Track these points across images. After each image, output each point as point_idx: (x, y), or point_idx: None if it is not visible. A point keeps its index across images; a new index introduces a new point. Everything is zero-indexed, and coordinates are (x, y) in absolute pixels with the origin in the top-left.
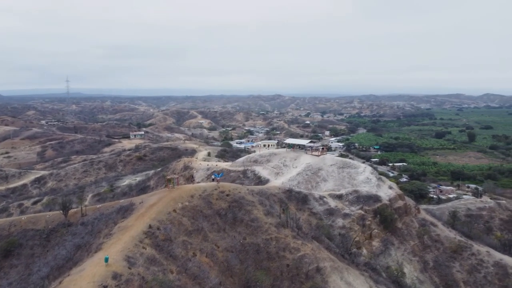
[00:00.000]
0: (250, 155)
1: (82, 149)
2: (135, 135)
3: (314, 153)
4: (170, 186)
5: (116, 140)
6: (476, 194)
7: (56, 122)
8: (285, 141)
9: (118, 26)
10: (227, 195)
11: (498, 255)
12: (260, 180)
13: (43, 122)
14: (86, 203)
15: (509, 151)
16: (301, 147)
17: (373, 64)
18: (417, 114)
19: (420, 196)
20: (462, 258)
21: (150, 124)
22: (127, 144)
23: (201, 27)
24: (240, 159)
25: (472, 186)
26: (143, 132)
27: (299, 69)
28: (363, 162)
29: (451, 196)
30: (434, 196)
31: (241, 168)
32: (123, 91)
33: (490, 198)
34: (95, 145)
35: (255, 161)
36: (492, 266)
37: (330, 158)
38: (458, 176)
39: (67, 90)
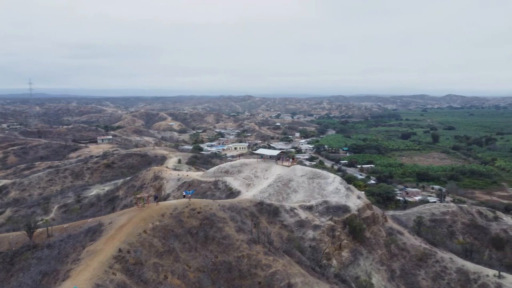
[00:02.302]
0: (221, 165)
1: (47, 154)
2: (102, 140)
3: (284, 163)
4: (140, 205)
5: (83, 145)
6: (440, 195)
7: (19, 126)
8: (256, 152)
9: (85, 25)
10: (198, 212)
11: (460, 262)
12: (232, 192)
13: (4, 125)
14: (52, 215)
15: (469, 152)
16: (273, 157)
17: (342, 65)
18: (384, 115)
19: (388, 199)
20: (427, 265)
21: (118, 127)
22: (94, 149)
23: (171, 27)
24: (211, 170)
25: (436, 187)
26: (111, 137)
27: (270, 70)
28: (333, 165)
29: (417, 198)
30: (401, 199)
31: (212, 179)
32: (89, 91)
33: (453, 200)
34: (60, 150)
35: (226, 172)
36: (455, 272)
37: (300, 168)
38: (423, 178)
39: (30, 91)
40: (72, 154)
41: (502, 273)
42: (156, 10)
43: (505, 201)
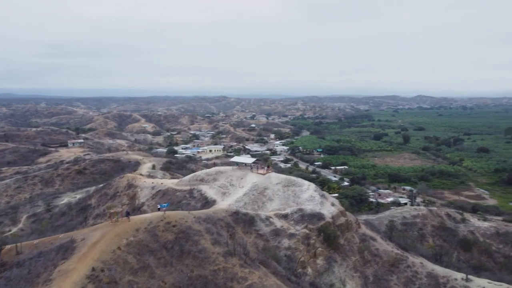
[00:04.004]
0: (197, 173)
1: (15, 159)
2: (73, 143)
3: (260, 171)
4: (114, 220)
5: (53, 149)
6: (411, 196)
7: None
8: (231, 160)
9: (56, 23)
10: (174, 225)
11: (430, 266)
12: (207, 201)
13: None
14: (21, 225)
15: (439, 152)
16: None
17: (315, 66)
18: (357, 115)
19: (361, 201)
20: (399, 271)
21: (89, 129)
22: (65, 153)
23: (144, 26)
24: (186, 178)
25: (408, 188)
26: (82, 140)
27: (246, 70)
28: (307, 167)
29: (389, 199)
30: (374, 200)
31: (188, 188)
32: (59, 92)
33: (423, 200)
34: (29, 155)
35: (202, 180)
36: (425, 277)
37: (276, 176)
38: (394, 178)
39: None
40: (42, 159)
41: (470, 276)
42: (129, 9)
43: (472, 201)
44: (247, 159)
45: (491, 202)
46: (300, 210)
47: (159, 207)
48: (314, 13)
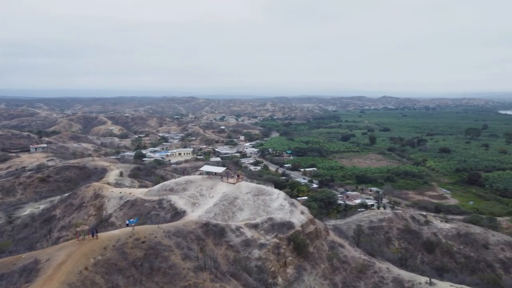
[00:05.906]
0: (166, 182)
1: None
2: (36, 148)
3: (230, 180)
4: (81, 238)
5: (14, 154)
6: (378, 197)
7: None
8: (201, 169)
9: (15, 21)
10: (143, 242)
11: (396, 271)
12: (177, 212)
13: None
14: None
15: (403, 153)
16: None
17: (284, 67)
18: (325, 116)
19: (329, 204)
20: (366, 277)
21: (53, 132)
22: (27, 159)
23: (110, 25)
24: (155, 187)
25: (374, 189)
26: (45, 145)
27: (215, 71)
28: (277, 169)
29: (356, 201)
30: (342, 202)
31: (157, 198)
32: (20, 92)
33: (389, 201)
34: None
35: (171, 190)
36: (391, 282)
37: (246, 185)
38: (362, 180)
39: None
40: (1, 165)
41: (433, 280)
42: (95, 7)
43: (435, 201)
44: (217, 168)
45: (453, 201)
46: (270, 219)
47: (127, 222)
48: (283, 16)
